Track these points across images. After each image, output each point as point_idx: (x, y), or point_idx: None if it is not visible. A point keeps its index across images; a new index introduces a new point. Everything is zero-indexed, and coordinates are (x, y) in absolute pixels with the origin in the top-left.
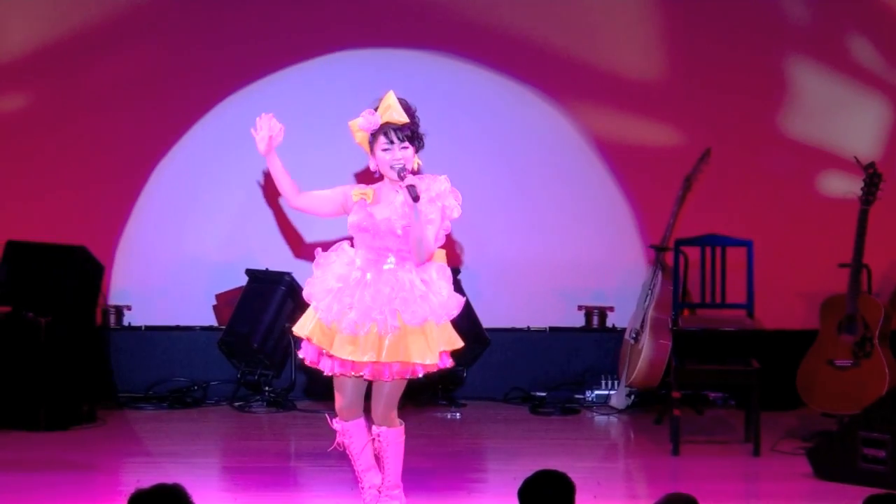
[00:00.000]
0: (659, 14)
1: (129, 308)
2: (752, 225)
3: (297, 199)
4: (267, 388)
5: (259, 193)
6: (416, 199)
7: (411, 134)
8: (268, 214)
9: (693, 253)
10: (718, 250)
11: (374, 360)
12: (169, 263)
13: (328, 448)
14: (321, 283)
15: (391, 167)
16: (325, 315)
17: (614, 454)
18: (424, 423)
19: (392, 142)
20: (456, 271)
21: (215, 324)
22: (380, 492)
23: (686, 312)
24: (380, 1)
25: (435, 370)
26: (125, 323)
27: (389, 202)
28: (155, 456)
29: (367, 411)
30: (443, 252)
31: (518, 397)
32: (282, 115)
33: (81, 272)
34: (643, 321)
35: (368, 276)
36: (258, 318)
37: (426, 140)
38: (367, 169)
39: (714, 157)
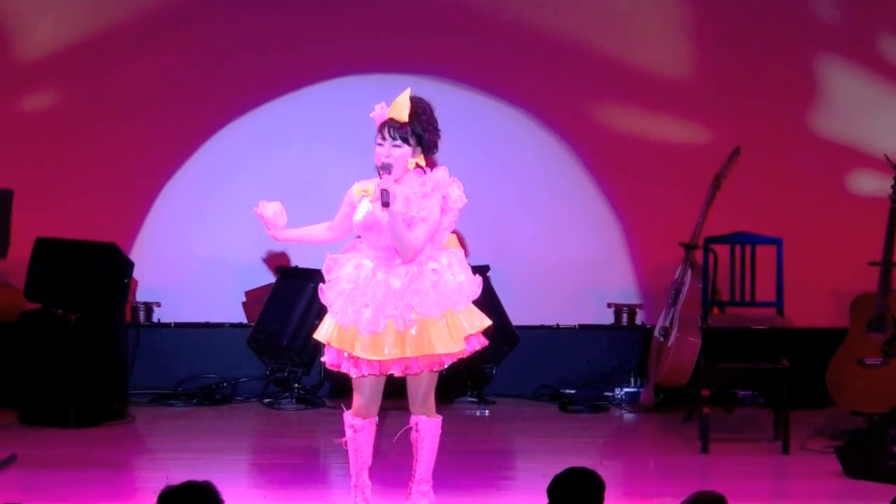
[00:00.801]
0: (686, 12)
1: (158, 305)
2: (781, 223)
3: (331, 236)
4: (296, 385)
5: (289, 192)
6: (385, 204)
7: (411, 134)
8: (298, 212)
9: (722, 251)
10: (748, 248)
11: (400, 356)
12: (198, 260)
13: (335, 440)
14: (334, 286)
15: (381, 161)
16: (341, 318)
17: (643, 452)
18: (453, 420)
19: (384, 138)
20: (485, 269)
21: (245, 321)
22: (410, 487)
23: (715, 310)
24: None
25: (465, 356)
26: (154, 320)
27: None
28: (184, 453)
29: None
30: (454, 237)
31: (547, 395)
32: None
33: (111, 269)
34: (672, 319)
35: (379, 274)
36: (287, 316)
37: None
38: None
39: (743, 155)
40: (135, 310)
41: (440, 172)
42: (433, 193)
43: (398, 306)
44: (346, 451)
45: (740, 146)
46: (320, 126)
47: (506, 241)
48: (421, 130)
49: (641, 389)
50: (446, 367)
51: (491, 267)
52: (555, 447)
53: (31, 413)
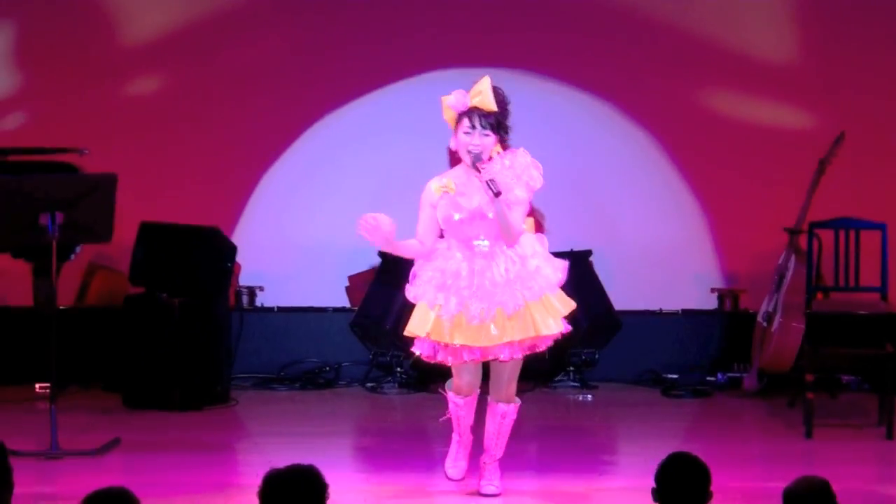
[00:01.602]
0: None
1: (261, 289)
2: (886, 208)
3: (425, 248)
4: (399, 370)
5: (391, 177)
6: (497, 194)
7: (496, 123)
8: (400, 197)
9: (827, 236)
10: (852, 233)
11: (505, 340)
12: (301, 245)
13: (440, 419)
14: (428, 282)
15: (468, 151)
16: (446, 312)
17: (747, 437)
18: (556, 404)
19: (474, 126)
20: (587, 253)
21: (348, 305)
22: (484, 462)
23: (819, 296)
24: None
25: (560, 337)
26: (258, 304)
27: (475, 188)
28: (288, 436)
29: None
30: (531, 220)
31: (650, 380)
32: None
33: (214, 253)
34: (776, 304)
35: (478, 263)
36: (391, 300)
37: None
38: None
39: (848, 139)
40: (238, 294)
41: (522, 156)
42: (521, 176)
43: (505, 292)
44: (450, 423)
45: (845, 130)
46: (422, 118)
47: (608, 226)
48: (503, 118)
49: (745, 375)
50: (545, 349)
51: (593, 252)
52: (657, 432)
53: (135, 397)
